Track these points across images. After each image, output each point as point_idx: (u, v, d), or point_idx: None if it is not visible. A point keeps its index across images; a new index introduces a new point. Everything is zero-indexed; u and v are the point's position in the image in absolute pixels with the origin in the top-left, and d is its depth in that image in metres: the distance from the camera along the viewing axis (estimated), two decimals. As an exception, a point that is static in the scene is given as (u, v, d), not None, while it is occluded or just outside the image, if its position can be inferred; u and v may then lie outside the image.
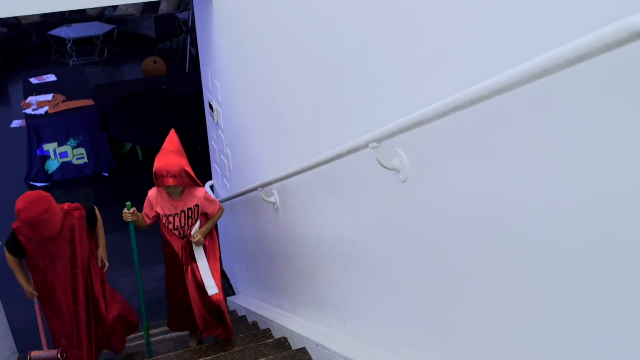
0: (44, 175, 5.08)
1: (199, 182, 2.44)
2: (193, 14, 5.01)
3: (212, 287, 2.51)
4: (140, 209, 2.50)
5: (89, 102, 5.27)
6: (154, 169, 2.29)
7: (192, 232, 2.49)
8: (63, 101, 5.26)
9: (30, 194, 2.11)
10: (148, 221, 2.50)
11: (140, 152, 5.54)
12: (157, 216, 2.51)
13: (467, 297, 1.22)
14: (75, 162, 5.19)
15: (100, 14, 8.65)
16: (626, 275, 0.81)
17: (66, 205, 2.27)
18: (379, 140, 1.33)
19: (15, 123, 6.11)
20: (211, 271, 2.53)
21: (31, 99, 5.32)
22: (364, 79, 1.48)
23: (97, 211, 2.45)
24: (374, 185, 1.54)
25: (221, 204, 2.65)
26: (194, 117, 4.99)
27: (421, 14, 1.17)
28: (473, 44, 1.03)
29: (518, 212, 1.00)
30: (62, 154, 5.14)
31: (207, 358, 2.43)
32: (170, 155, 2.32)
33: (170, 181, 2.28)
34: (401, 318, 1.55)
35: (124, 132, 5.29)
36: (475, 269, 1.16)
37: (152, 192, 2.48)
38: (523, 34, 0.91)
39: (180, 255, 2.52)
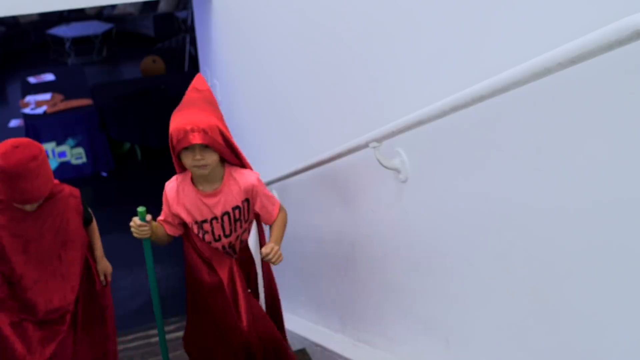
0: (42, 175, 5.07)
1: (244, 159, 1.57)
2: (192, 12, 5.00)
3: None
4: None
5: (87, 101, 5.26)
6: (173, 124, 1.42)
7: (263, 249, 1.47)
8: (61, 101, 5.25)
9: (13, 139, 1.52)
10: (171, 231, 1.60)
11: (139, 152, 5.52)
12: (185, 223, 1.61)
13: (468, 297, 1.21)
14: (73, 162, 5.18)
15: (99, 13, 8.64)
16: (628, 275, 0.80)
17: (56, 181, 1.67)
18: (380, 139, 1.33)
19: (14, 123, 6.09)
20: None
21: (29, 98, 5.31)
22: (365, 79, 1.47)
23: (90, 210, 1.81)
24: (375, 185, 1.53)
25: None
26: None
27: (423, 13, 1.17)
28: (474, 43, 1.03)
29: (519, 212, 1.00)
30: (60, 153, 5.13)
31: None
32: (196, 105, 1.45)
33: (196, 138, 1.38)
34: (401, 319, 1.55)
35: (123, 131, 5.28)
36: (476, 270, 1.16)
37: (171, 185, 1.56)
38: (524, 33, 0.91)
39: (226, 285, 1.58)
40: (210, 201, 1.52)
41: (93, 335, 1.81)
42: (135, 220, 1.52)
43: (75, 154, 5.19)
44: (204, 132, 1.39)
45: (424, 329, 1.43)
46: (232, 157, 1.53)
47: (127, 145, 5.60)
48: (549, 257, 0.95)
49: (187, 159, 1.45)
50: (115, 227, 3.99)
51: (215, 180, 1.53)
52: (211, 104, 1.50)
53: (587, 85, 0.81)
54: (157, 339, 3.08)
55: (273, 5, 2.09)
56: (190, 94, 1.53)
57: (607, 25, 0.69)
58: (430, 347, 1.41)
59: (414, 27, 1.21)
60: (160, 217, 1.61)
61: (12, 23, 8.19)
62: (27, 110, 5.11)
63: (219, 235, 1.57)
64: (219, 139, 1.43)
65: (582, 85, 0.82)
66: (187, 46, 6.85)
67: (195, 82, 1.57)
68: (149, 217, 1.54)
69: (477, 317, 1.20)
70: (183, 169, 1.56)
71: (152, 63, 6.62)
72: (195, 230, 1.58)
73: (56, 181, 1.68)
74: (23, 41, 8.34)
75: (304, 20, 1.81)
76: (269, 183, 2.42)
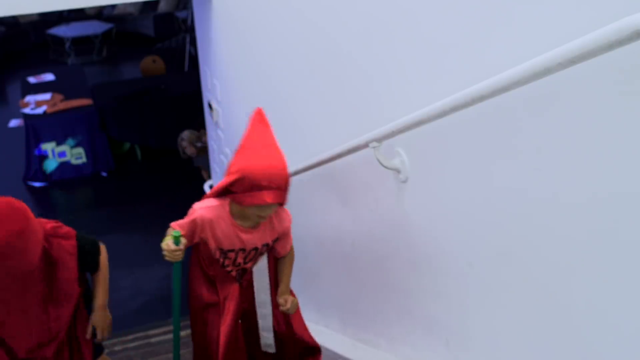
0: (42, 175, 5.07)
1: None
2: (192, 12, 5.01)
3: (269, 345, 1.70)
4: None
5: (87, 101, 5.26)
6: (244, 172, 1.32)
7: (281, 301, 1.60)
8: (61, 100, 5.25)
9: None
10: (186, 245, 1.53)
11: (139, 152, 5.53)
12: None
13: (468, 297, 1.21)
14: (73, 162, 5.18)
15: (99, 13, 8.64)
16: (631, 272, 0.80)
17: (50, 225, 1.42)
18: (380, 139, 1.33)
19: (13, 123, 6.09)
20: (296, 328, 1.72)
21: (29, 98, 5.31)
22: (365, 79, 1.47)
23: (103, 249, 1.60)
24: (375, 185, 1.53)
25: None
26: (193, 116, 4.98)
27: (423, 13, 1.17)
28: (474, 43, 1.03)
29: (519, 211, 1.00)
30: (60, 153, 5.13)
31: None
32: (272, 152, 1.36)
33: (271, 197, 1.32)
34: (402, 319, 1.55)
35: (123, 131, 5.29)
36: (477, 269, 1.16)
37: (204, 213, 1.46)
38: (524, 33, 0.91)
39: (230, 308, 1.58)
40: (245, 236, 1.49)
41: None
42: (170, 245, 1.43)
43: (75, 154, 5.19)
44: (280, 190, 1.33)
45: (424, 329, 1.43)
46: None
47: (127, 145, 5.60)
48: (550, 256, 0.94)
49: (251, 209, 1.38)
50: (115, 227, 3.98)
51: (261, 219, 1.47)
52: (276, 141, 1.41)
53: (588, 85, 0.81)
54: (157, 339, 3.08)
55: (273, 6, 2.09)
56: (262, 132, 1.41)
57: (607, 25, 0.69)
58: (430, 347, 1.41)
59: (414, 27, 1.21)
60: (180, 227, 1.51)
61: (12, 23, 8.19)
62: (27, 110, 5.11)
63: (239, 263, 1.56)
64: (286, 193, 1.37)
65: (582, 85, 0.82)
66: (187, 46, 6.86)
67: (260, 120, 1.46)
68: (183, 241, 1.45)
69: (477, 317, 1.20)
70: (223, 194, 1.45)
71: (152, 63, 6.62)
72: (217, 255, 1.53)
73: (53, 228, 1.44)
74: (23, 41, 8.34)
75: (304, 20, 1.81)
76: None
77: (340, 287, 1.98)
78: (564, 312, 0.93)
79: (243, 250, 1.51)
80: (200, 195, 2.16)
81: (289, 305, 1.57)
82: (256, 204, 1.34)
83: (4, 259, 1.25)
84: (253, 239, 1.50)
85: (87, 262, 1.52)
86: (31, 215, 1.31)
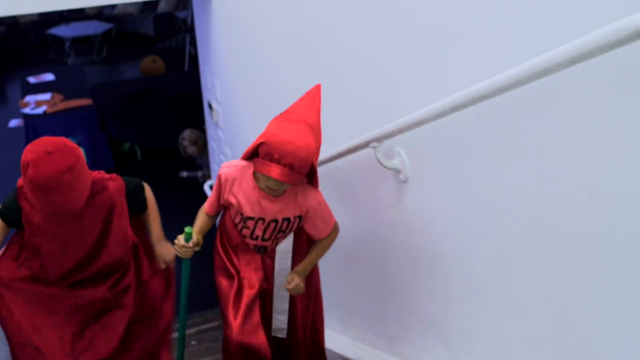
0: (42, 175, 5.07)
1: (317, 181, 1.44)
2: (192, 12, 5.01)
3: (281, 329, 1.63)
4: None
5: (87, 101, 5.26)
6: (266, 138, 1.29)
7: (288, 279, 1.51)
8: (61, 100, 5.25)
9: (46, 140, 1.32)
10: (212, 213, 1.54)
11: (139, 152, 5.53)
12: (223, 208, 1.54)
13: (468, 297, 1.21)
14: (73, 161, 5.18)
15: (99, 13, 8.64)
16: (632, 272, 0.80)
17: (96, 173, 1.48)
18: (380, 139, 1.33)
19: (13, 123, 6.09)
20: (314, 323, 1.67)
21: (29, 98, 5.31)
22: (365, 78, 1.47)
23: (147, 186, 1.63)
24: (375, 185, 1.53)
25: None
26: (193, 116, 4.98)
27: (424, 14, 1.17)
28: (475, 43, 1.03)
29: (519, 211, 1.00)
30: (60, 153, 5.13)
31: (207, 359, 2.43)
32: (302, 129, 1.28)
33: (276, 172, 1.27)
34: (402, 319, 1.55)
35: (123, 131, 5.29)
36: (477, 269, 1.16)
37: (230, 171, 1.45)
38: (525, 33, 0.91)
39: (251, 281, 1.53)
40: (266, 203, 1.42)
41: (145, 334, 1.65)
42: (180, 240, 1.44)
43: (75, 154, 5.18)
44: (290, 168, 1.26)
45: (424, 329, 1.43)
46: (305, 183, 1.42)
47: (127, 145, 5.60)
48: (550, 256, 0.95)
49: (261, 178, 1.35)
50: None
51: (279, 193, 1.43)
52: (318, 134, 1.34)
53: (588, 85, 0.81)
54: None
55: (273, 5, 2.09)
56: (302, 110, 1.34)
57: (607, 25, 0.69)
58: (431, 347, 1.41)
59: (415, 27, 1.21)
60: (208, 201, 1.52)
61: (12, 23, 8.19)
62: (27, 110, 5.11)
63: (257, 236, 1.50)
64: (303, 173, 1.31)
65: (582, 85, 0.82)
66: (187, 46, 6.86)
67: (313, 96, 1.39)
68: (194, 238, 1.45)
69: (477, 316, 1.20)
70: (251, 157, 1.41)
71: (152, 63, 6.61)
72: (237, 220, 1.49)
73: (99, 174, 1.48)
74: (23, 41, 8.33)
75: (304, 20, 1.81)
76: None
77: (340, 287, 1.98)
78: (565, 312, 0.94)
79: (262, 220, 1.45)
80: (200, 195, 2.15)
81: (291, 286, 1.47)
82: (263, 172, 1.30)
83: (50, 193, 1.29)
84: (273, 209, 1.42)
85: (136, 199, 1.57)
86: (82, 156, 1.37)
